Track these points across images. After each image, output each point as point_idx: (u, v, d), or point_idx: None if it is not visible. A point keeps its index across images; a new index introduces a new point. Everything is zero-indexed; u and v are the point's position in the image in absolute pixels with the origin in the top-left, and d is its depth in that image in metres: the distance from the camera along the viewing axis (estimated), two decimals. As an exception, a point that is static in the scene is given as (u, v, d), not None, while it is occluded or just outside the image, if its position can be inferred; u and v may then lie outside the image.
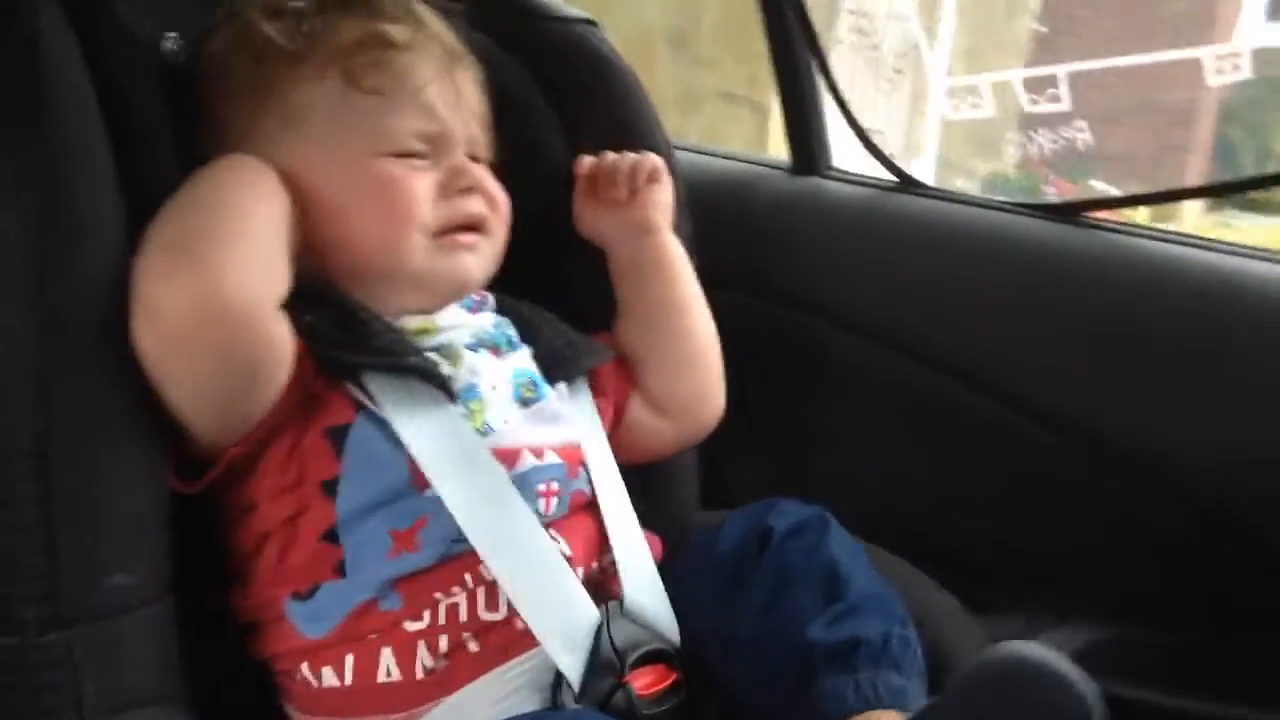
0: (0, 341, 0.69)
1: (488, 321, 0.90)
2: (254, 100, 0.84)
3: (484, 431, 0.83)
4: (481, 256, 0.89)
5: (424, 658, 0.78)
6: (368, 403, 0.80)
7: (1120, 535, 1.12)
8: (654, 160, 1.01)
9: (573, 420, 0.90)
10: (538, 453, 0.85)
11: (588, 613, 0.80)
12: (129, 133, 0.78)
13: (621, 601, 0.83)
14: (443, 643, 0.78)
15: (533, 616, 0.78)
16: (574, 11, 1.14)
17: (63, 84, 0.74)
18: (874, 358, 1.25)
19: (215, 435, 0.77)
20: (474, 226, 0.88)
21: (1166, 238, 1.18)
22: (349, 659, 0.78)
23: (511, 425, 0.85)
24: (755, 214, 1.35)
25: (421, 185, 0.85)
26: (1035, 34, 5.43)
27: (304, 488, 0.79)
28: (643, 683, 0.80)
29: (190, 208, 0.76)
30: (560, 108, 1.08)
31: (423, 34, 0.88)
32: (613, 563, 0.86)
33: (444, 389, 0.82)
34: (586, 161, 1.03)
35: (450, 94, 0.88)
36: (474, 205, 0.88)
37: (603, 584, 0.86)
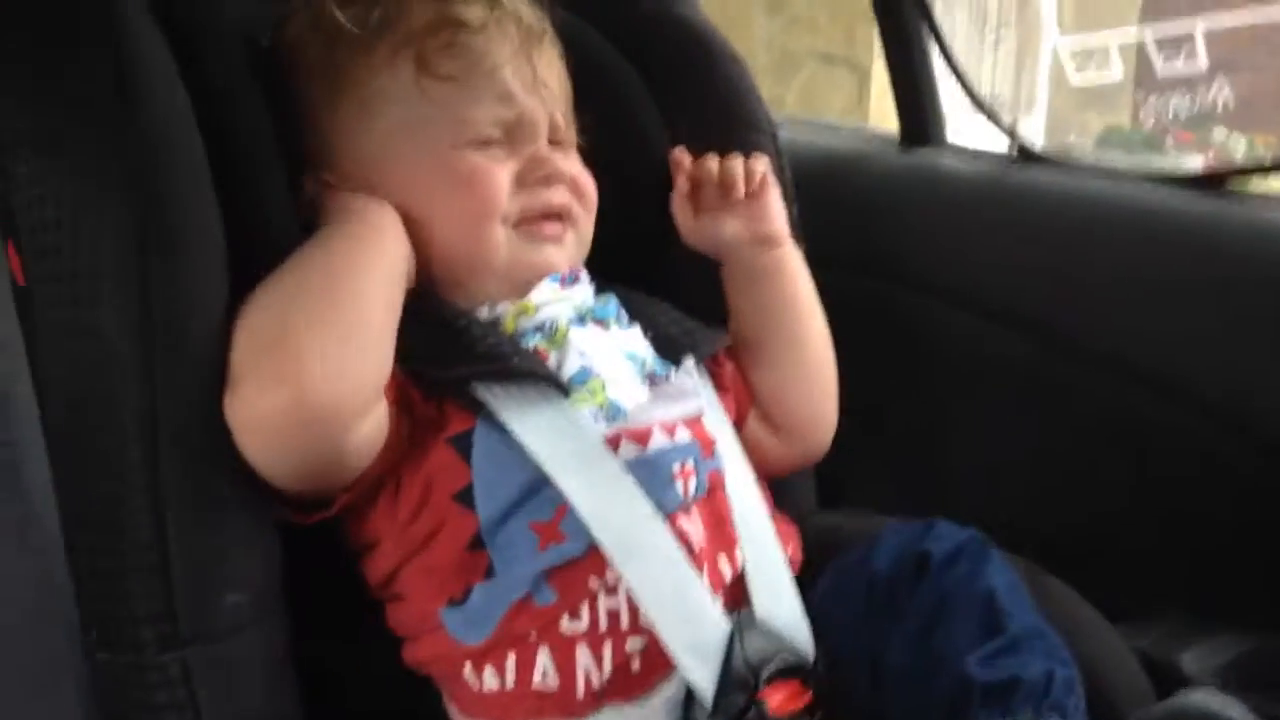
0: (105, 354, 0.70)
1: (587, 294, 0.89)
2: (332, 88, 0.84)
3: (611, 414, 0.81)
4: (566, 246, 0.88)
5: (586, 664, 0.76)
6: (485, 404, 0.78)
7: (1265, 531, 1.05)
8: (765, 163, 0.97)
9: (700, 399, 0.86)
10: (670, 429, 0.82)
11: (718, 622, 0.77)
12: (227, 131, 0.78)
13: (753, 612, 0.79)
14: (606, 651, 0.76)
15: (663, 625, 0.76)
16: (671, -9, 1.10)
17: (152, 87, 0.73)
18: (996, 342, 1.18)
19: (315, 494, 0.76)
20: (557, 215, 0.87)
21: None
22: (510, 658, 0.76)
23: (642, 405, 0.82)
24: (865, 191, 1.30)
25: (502, 175, 0.84)
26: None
27: (435, 502, 0.77)
28: (777, 700, 0.76)
29: (296, 290, 0.74)
30: (655, 86, 1.04)
31: (498, 12, 0.86)
32: (743, 566, 0.83)
33: (555, 384, 0.79)
34: (686, 161, 0.98)
35: (527, 75, 0.86)
36: (556, 195, 0.86)
37: (733, 590, 0.83)
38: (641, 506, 0.78)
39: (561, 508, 0.77)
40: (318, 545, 0.79)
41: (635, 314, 0.91)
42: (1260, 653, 1.00)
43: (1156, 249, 1.12)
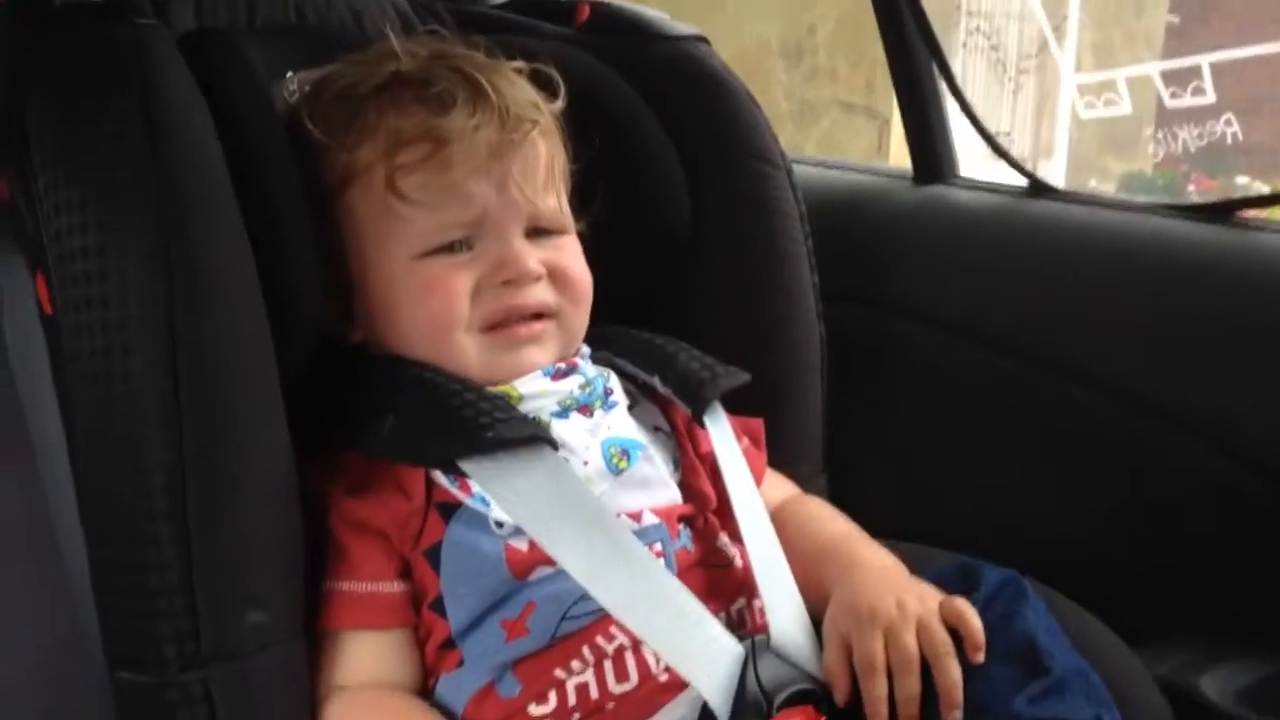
0: (131, 385, 0.71)
1: (574, 385, 0.87)
2: (318, 181, 0.84)
3: None
4: (548, 342, 0.86)
5: None
6: (459, 494, 0.80)
7: (1273, 554, 1.04)
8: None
9: (665, 485, 0.87)
10: (636, 516, 0.83)
11: (731, 649, 0.77)
12: (254, 174, 0.79)
13: (768, 638, 0.80)
14: (576, 717, 0.77)
15: (676, 661, 0.76)
16: (684, 29, 1.12)
17: (179, 129, 0.75)
18: (1007, 372, 1.19)
19: None
20: (534, 315, 0.85)
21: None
22: None
23: (606, 496, 0.83)
24: (878, 226, 1.31)
25: (460, 283, 0.83)
26: (1168, 25, 5.22)
27: (423, 609, 0.80)
28: None
29: None
30: (673, 126, 1.06)
31: (480, 116, 0.83)
32: (754, 601, 0.84)
33: (544, 442, 0.80)
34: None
35: (500, 173, 0.84)
36: (525, 296, 0.84)
37: (746, 620, 0.84)
38: (642, 555, 0.79)
39: (530, 604, 0.79)
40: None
41: (654, 363, 0.91)
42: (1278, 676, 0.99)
43: (1167, 279, 1.13)
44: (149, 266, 0.72)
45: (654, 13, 1.13)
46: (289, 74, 0.92)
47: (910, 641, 0.76)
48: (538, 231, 0.87)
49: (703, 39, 1.11)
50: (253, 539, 0.74)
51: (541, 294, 0.85)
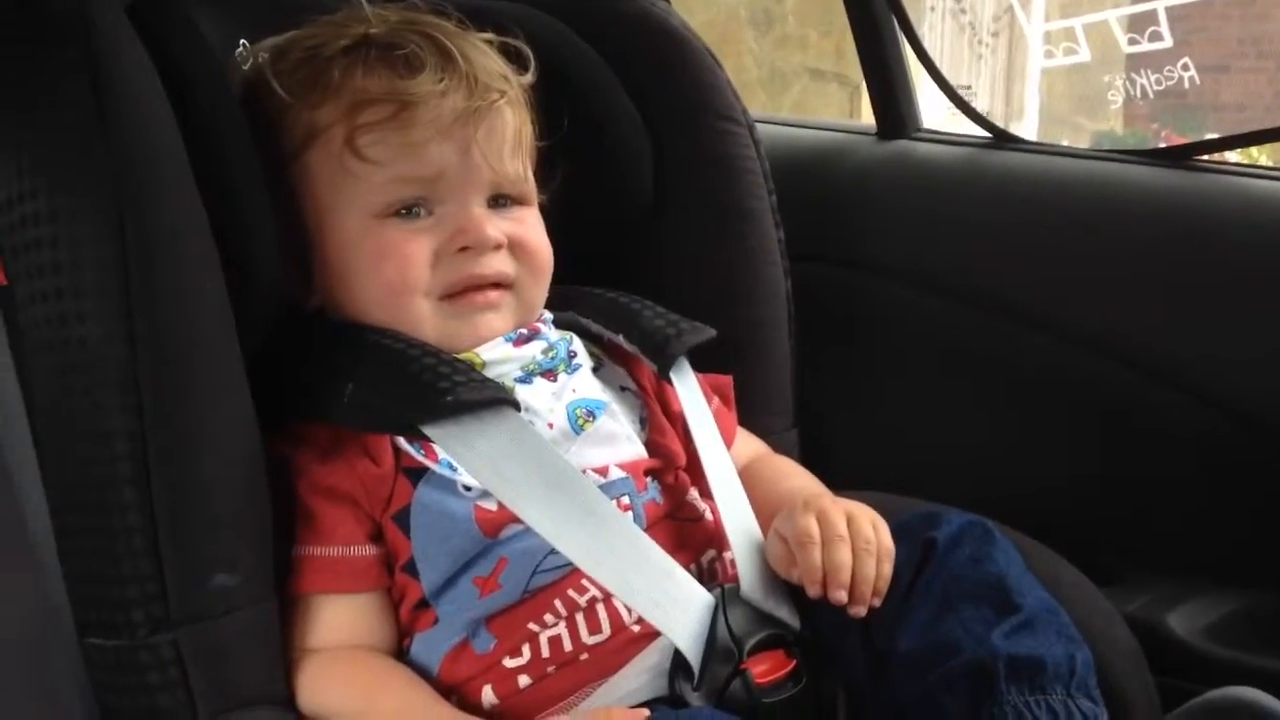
0: (88, 349, 0.71)
1: (536, 350, 0.87)
2: (277, 145, 0.84)
3: None
4: (505, 311, 0.86)
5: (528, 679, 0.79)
6: (424, 460, 0.80)
7: (1239, 495, 1.06)
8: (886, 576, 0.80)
9: (630, 440, 0.87)
10: (602, 471, 0.84)
11: (701, 598, 0.78)
12: (206, 140, 0.79)
13: (737, 587, 0.81)
14: (550, 669, 0.78)
15: (647, 610, 0.77)
16: (645, -12, 1.12)
17: (128, 94, 0.75)
18: (971, 323, 1.20)
19: None
20: (492, 284, 0.85)
21: (1285, 175, 1.11)
22: (454, 699, 0.79)
23: (572, 454, 0.83)
24: (843, 182, 1.31)
25: (418, 249, 0.82)
26: (1135, -16, 5.23)
27: (395, 571, 0.81)
28: (761, 669, 0.78)
29: None
30: (632, 84, 1.06)
31: (448, 81, 0.83)
32: (724, 554, 0.85)
33: (506, 403, 0.80)
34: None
35: (463, 138, 0.83)
36: (484, 265, 0.84)
37: (717, 572, 0.85)
38: (610, 511, 0.80)
39: (502, 560, 0.79)
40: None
41: (619, 321, 0.92)
42: (1243, 611, 1.00)
43: (1122, 222, 1.14)
44: (102, 231, 0.71)
45: (614, -28, 1.12)
46: (242, 41, 0.91)
47: (839, 520, 0.78)
48: (500, 200, 0.86)
49: (662, -2, 1.11)
50: (217, 503, 0.75)
51: (500, 264, 0.85)
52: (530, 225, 0.88)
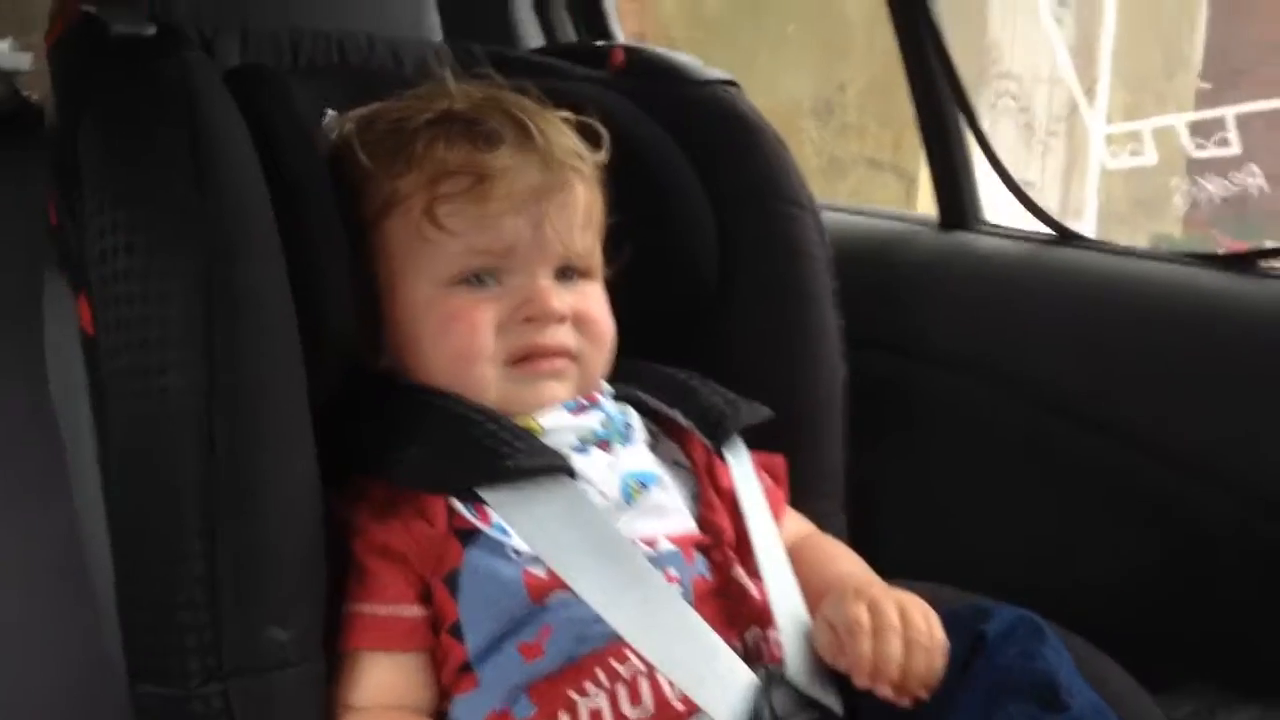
0: (166, 402, 0.73)
1: (594, 420, 0.88)
2: (359, 211, 0.87)
3: None
4: (568, 379, 0.87)
5: None
6: (477, 523, 0.81)
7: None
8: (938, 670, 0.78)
9: (680, 513, 0.88)
10: (651, 542, 0.84)
11: (745, 678, 0.78)
12: (293, 203, 0.82)
13: (783, 668, 0.80)
14: None
15: (689, 687, 0.77)
16: (715, 73, 1.15)
17: (224, 157, 0.78)
18: (1027, 418, 1.19)
19: None
20: (555, 353, 0.86)
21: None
22: None
23: (622, 524, 0.84)
24: (904, 271, 1.32)
25: (484, 316, 0.84)
26: (1199, 90, 5.24)
27: (440, 633, 0.81)
28: None
29: None
30: (702, 168, 1.08)
31: (524, 155, 0.86)
32: (769, 632, 0.84)
33: (562, 470, 0.81)
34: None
35: (536, 213, 0.85)
36: (548, 336, 0.86)
37: (762, 652, 0.84)
38: (658, 583, 0.80)
39: (546, 628, 0.79)
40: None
41: (676, 397, 0.93)
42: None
43: (1193, 328, 1.13)
44: (190, 289, 0.74)
45: (685, 57, 1.15)
46: (328, 110, 0.94)
47: (891, 610, 0.77)
48: (568, 273, 0.88)
49: (733, 83, 1.13)
50: (278, 557, 0.76)
51: (563, 336, 0.86)
52: (594, 299, 0.90)
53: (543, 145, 0.86)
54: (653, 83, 1.12)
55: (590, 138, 0.92)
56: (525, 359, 0.85)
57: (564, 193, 0.87)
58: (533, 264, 0.86)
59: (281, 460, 0.77)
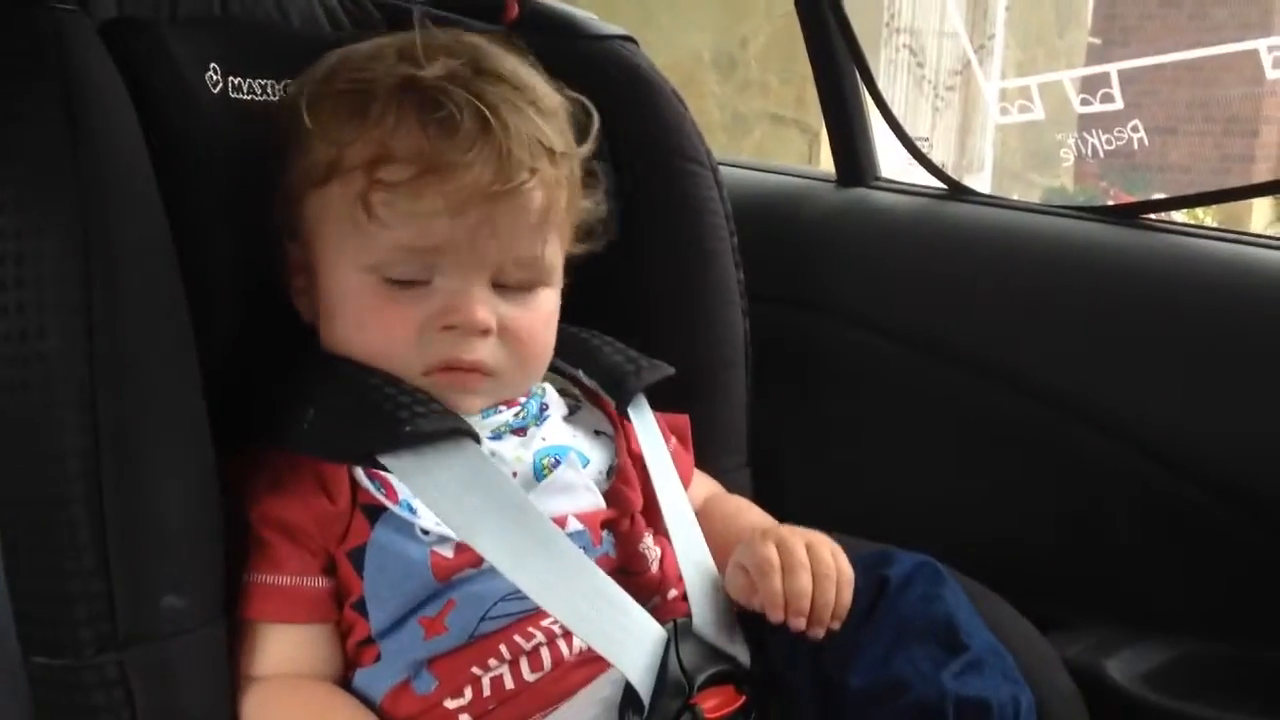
0: (46, 365, 0.71)
1: (509, 414, 0.86)
2: (302, 168, 0.82)
3: None
4: (485, 394, 0.84)
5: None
6: (384, 500, 0.80)
7: (1178, 544, 1.09)
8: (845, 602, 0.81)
9: (589, 489, 0.87)
10: (560, 522, 0.84)
11: (653, 632, 0.79)
12: (175, 161, 0.79)
13: (690, 621, 0.81)
14: (491, 706, 0.78)
15: (600, 644, 0.78)
16: (612, 29, 1.14)
17: (99, 111, 0.75)
18: (925, 369, 1.22)
19: None
20: (470, 368, 0.82)
21: (1230, 237, 1.15)
22: None
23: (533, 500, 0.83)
24: (802, 227, 1.33)
25: (401, 321, 0.80)
26: (1089, 46, 5.37)
27: (344, 607, 0.81)
28: (710, 704, 0.78)
29: None
30: (603, 123, 1.07)
31: (479, 146, 0.78)
32: (668, 594, 0.86)
33: (465, 434, 0.80)
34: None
35: (477, 217, 0.79)
36: (466, 350, 0.81)
37: (669, 607, 0.85)
38: (564, 544, 0.80)
39: (450, 603, 0.79)
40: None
41: (580, 357, 0.92)
42: (1180, 659, 1.02)
43: (1069, 276, 1.17)
44: (66, 249, 0.71)
45: (582, 12, 1.14)
46: (212, 64, 0.91)
47: (799, 548, 0.79)
48: (510, 282, 0.82)
49: (630, 39, 1.13)
50: (170, 523, 0.74)
51: (484, 351, 0.81)
52: (534, 312, 0.84)
53: (501, 142, 0.78)
54: (549, 37, 1.10)
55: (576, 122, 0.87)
56: (441, 370, 0.81)
57: (516, 197, 0.80)
58: (466, 269, 0.80)
59: (168, 426, 0.75)
